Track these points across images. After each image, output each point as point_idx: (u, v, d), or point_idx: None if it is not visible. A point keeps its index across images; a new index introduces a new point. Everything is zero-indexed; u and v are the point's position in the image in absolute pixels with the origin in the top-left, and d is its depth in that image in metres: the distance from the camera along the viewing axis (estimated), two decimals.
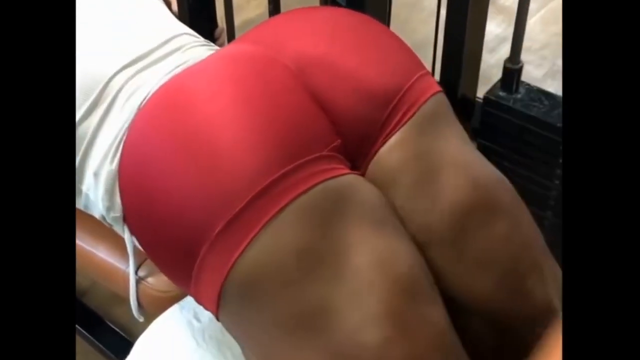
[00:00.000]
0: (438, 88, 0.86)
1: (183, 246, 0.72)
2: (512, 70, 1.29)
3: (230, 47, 0.87)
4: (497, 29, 2.28)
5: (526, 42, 2.33)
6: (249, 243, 0.68)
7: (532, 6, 2.47)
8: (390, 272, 0.72)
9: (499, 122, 1.31)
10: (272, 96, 0.76)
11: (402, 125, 0.81)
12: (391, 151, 0.81)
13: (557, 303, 0.86)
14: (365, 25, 0.88)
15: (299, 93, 0.78)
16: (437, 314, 0.76)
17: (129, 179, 0.78)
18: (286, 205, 0.69)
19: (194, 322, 0.87)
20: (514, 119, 1.29)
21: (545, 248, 0.89)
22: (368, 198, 0.76)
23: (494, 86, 1.32)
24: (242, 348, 0.78)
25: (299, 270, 0.69)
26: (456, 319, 0.79)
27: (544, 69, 2.15)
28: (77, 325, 1.33)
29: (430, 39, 1.42)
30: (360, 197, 0.75)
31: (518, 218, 0.86)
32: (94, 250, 0.99)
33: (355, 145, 0.81)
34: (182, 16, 1.28)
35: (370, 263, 0.72)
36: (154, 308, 0.93)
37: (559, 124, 1.25)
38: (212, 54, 0.85)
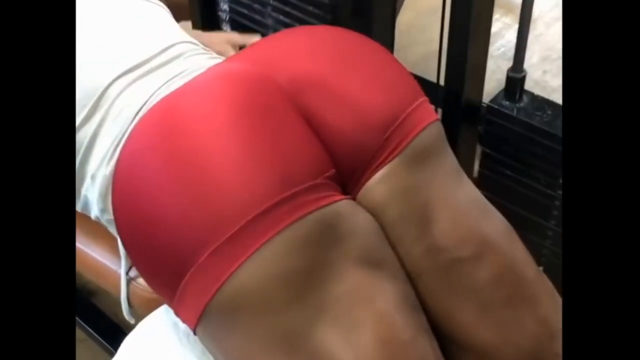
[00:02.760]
0: (434, 117, 0.84)
1: (170, 267, 0.73)
2: (514, 79, 1.28)
3: (225, 65, 0.87)
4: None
5: (545, 52, 2.32)
6: (235, 270, 0.69)
7: (552, 15, 2.45)
8: (372, 307, 0.72)
9: (501, 130, 1.31)
10: (266, 122, 0.75)
11: (393, 158, 0.80)
12: (378, 184, 0.80)
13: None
14: (365, 46, 0.87)
15: (293, 118, 0.78)
16: (422, 345, 0.76)
17: (122, 199, 0.78)
18: (275, 234, 0.69)
19: (180, 323, 0.88)
20: (516, 128, 1.29)
21: (541, 276, 0.87)
22: (359, 227, 0.76)
23: (498, 95, 1.32)
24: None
25: (282, 299, 0.70)
26: (448, 354, 0.79)
27: (561, 79, 2.14)
28: (89, 328, 1.35)
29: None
30: (351, 227, 0.74)
31: (507, 256, 0.84)
32: (88, 250, 1.01)
33: (347, 170, 0.81)
34: None
35: (350, 294, 0.72)
36: (144, 308, 0.94)
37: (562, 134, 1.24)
38: (207, 72, 0.84)
